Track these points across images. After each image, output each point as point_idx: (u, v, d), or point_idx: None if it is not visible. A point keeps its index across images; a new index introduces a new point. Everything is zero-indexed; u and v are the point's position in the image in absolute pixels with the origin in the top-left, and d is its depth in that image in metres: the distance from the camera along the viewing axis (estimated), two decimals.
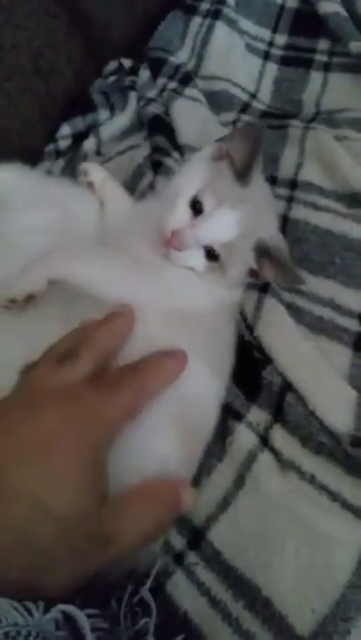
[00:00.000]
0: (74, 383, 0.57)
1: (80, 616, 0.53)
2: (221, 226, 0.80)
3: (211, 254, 0.81)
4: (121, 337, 0.66)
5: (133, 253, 0.84)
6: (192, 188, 0.82)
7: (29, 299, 0.76)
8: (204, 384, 0.77)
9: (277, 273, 0.82)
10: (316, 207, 0.97)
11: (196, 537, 0.73)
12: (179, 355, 0.66)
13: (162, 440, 0.70)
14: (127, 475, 0.63)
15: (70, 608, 0.53)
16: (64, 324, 0.73)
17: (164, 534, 0.50)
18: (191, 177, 0.84)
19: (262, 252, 0.81)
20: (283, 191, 1.01)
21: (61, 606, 0.53)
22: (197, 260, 0.82)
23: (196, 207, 0.81)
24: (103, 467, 0.51)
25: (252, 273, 0.85)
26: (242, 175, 0.81)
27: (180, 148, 1.10)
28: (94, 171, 1.04)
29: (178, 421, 0.71)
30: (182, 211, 0.82)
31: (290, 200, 0.99)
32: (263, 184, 0.90)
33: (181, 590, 0.70)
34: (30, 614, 0.51)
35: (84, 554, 0.48)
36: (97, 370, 0.60)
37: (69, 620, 0.54)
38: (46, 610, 0.52)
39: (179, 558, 0.72)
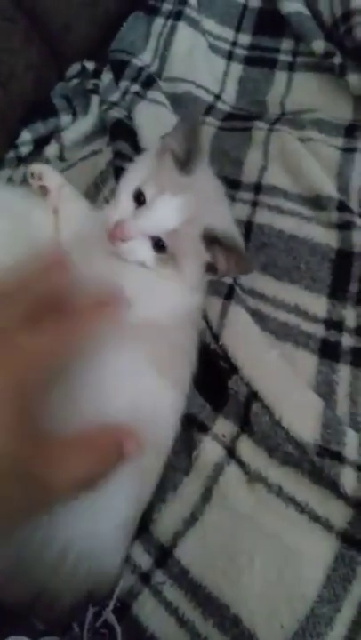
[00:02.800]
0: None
1: None
2: (164, 213, 0.78)
3: (158, 245, 0.80)
4: (55, 283, 0.60)
5: (89, 261, 0.82)
6: (135, 182, 0.81)
7: None
8: (159, 396, 0.76)
9: (230, 260, 0.79)
10: (280, 211, 0.96)
11: (163, 555, 0.72)
12: (119, 303, 0.60)
13: None
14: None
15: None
16: None
17: (102, 483, 0.48)
18: (135, 172, 0.84)
19: (211, 240, 0.79)
20: (247, 195, 1.00)
21: (13, 638, 0.51)
22: (145, 251, 0.80)
23: (140, 199, 0.80)
24: (31, 405, 0.49)
25: (210, 268, 0.82)
26: (183, 164, 0.80)
27: (142, 153, 1.07)
28: (50, 176, 1.02)
29: None
30: (125, 204, 0.81)
31: (254, 205, 0.98)
32: (209, 175, 0.89)
33: (148, 611, 0.69)
34: None
35: (9, 496, 0.46)
36: (30, 314, 0.57)
37: None
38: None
39: (145, 578, 0.71)
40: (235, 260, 0.79)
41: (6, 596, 0.60)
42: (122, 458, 0.51)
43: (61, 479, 0.46)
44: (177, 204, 0.78)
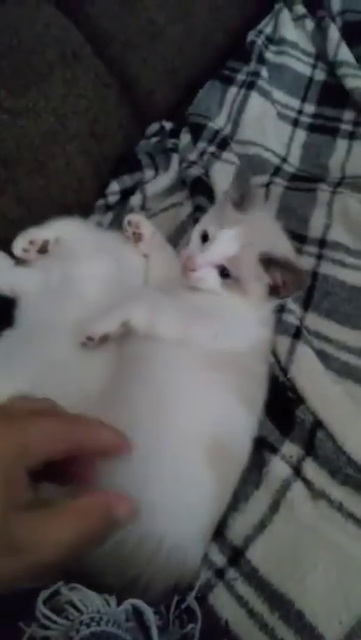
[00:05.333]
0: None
1: (147, 610, 0.62)
2: (224, 243, 0.95)
3: (223, 273, 0.95)
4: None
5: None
6: (202, 226, 1.00)
7: (104, 339, 0.89)
8: (237, 420, 0.88)
9: (286, 276, 0.92)
10: (343, 264, 1.08)
11: (236, 555, 0.82)
12: (124, 449, 0.59)
13: (195, 471, 0.81)
14: (164, 502, 0.76)
15: (139, 602, 0.63)
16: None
17: (99, 545, 0.51)
18: (203, 220, 1.03)
19: (268, 262, 0.93)
20: (312, 249, 1.12)
21: (132, 600, 0.63)
22: (213, 278, 0.96)
23: (205, 238, 0.98)
24: (16, 480, 0.48)
25: (272, 290, 0.95)
26: (238, 205, 0.97)
27: None
28: (145, 224, 1.15)
29: (211, 453, 0.81)
30: (194, 243, 1.00)
31: (319, 257, 1.10)
32: (264, 214, 1.07)
33: (222, 602, 0.79)
34: (108, 605, 0.60)
35: None
36: None
37: (137, 613, 0.63)
38: (119, 603, 0.62)
39: (220, 574, 0.81)
40: (290, 275, 0.93)
41: (106, 578, 0.72)
42: (113, 523, 0.51)
43: (48, 546, 0.47)
44: (233, 235, 0.95)
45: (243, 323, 0.96)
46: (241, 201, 0.97)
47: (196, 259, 0.95)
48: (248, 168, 1.30)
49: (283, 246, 1.00)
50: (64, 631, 0.57)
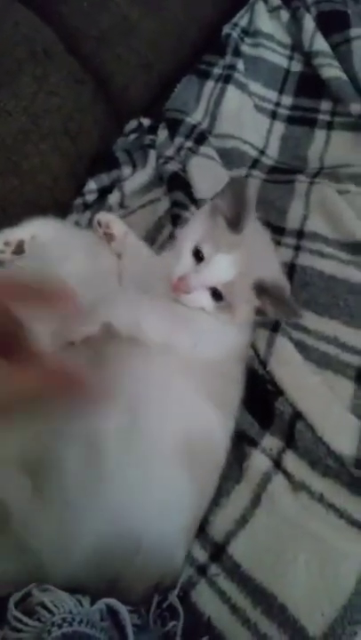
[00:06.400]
0: None
1: (122, 609, 0.62)
2: (220, 268, 0.90)
3: (216, 294, 0.92)
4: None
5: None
6: (193, 240, 0.94)
7: (85, 341, 0.87)
8: (212, 424, 0.87)
9: (277, 308, 0.91)
10: (321, 255, 1.08)
11: (218, 551, 0.82)
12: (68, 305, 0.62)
13: (169, 471, 0.80)
14: (139, 504, 0.76)
15: (113, 601, 0.62)
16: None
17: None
18: (192, 231, 0.97)
19: (262, 289, 0.91)
20: (290, 240, 1.12)
21: (105, 600, 0.62)
22: (205, 300, 0.93)
23: (198, 255, 0.92)
24: None
25: (260, 311, 0.93)
26: (233, 224, 0.92)
27: (197, 203, 1.21)
28: (115, 224, 1.13)
29: (186, 454, 0.81)
30: (186, 260, 0.94)
31: (297, 248, 1.10)
32: (258, 230, 1.01)
33: (205, 598, 0.78)
34: (81, 605, 0.60)
35: None
36: None
37: (112, 612, 0.62)
38: (93, 602, 0.61)
39: (202, 570, 0.81)
40: (282, 307, 0.90)
41: (87, 581, 0.71)
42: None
43: None
44: (231, 261, 0.90)
45: (224, 332, 0.95)
46: (236, 220, 0.92)
47: (189, 280, 0.91)
48: (226, 162, 1.30)
49: (276, 273, 0.97)
50: (36, 633, 0.56)
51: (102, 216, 1.14)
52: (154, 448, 0.80)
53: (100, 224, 1.13)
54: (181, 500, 0.80)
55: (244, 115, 1.44)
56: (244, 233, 0.92)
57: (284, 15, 1.56)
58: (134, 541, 0.74)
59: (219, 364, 0.91)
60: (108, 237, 1.13)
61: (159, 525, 0.77)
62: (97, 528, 0.73)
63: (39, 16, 1.28)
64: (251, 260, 0.91)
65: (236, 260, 0.90)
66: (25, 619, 0.57)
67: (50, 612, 0.58)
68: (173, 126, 1.40)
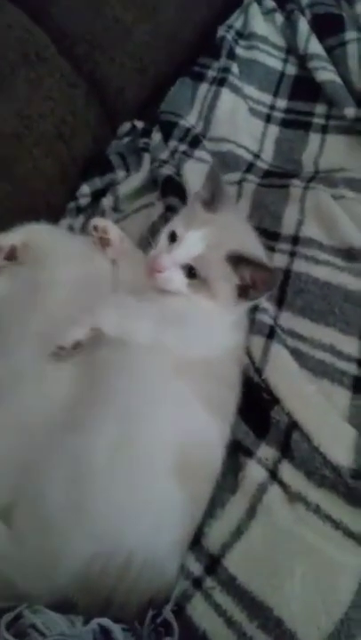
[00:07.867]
0: None
1: (115, 628, 0.61)
2: (190, 243, 0.93)
3: (190, 273, 0.93)
4: None
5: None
6: (170, 227, 0.98)
7: (76, 346, 0.87)
8: (206, 430, 0.86)
9: (255, 275, 0.91)
10: (316, 261, 1.06)
11: (213, 563, 0.81)
12: None
13: (161, 484, 0.79)
14: (129, 519, 0.75)
15: (106, 621, 0.61)
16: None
17: None
18: (172, 220, 1.01)
19: (237, 261, 0.91)
20: (285, 246, 1.11)
21: (98, 620, 0.61)
22: (178, 279, 0.93)
23: (173, 238, 0.95)
24: None
25: (242, 292, 0.93)
26: (208, 205, 0.96)
27: None
28: (112, 229, 1.11)
29: (179, 465, 0.80)
30: (162, 244, 0.97)
31: (292, 255, 1.09)
32: (235, 214, 1.06)
33: (200, 612, 0.77)
34: (73, 625, 0.58)
35: None
36: None
37: (105, 632, 0.61)
38: (85, 623, 0.60)
39: (197, 583, 0.80)
40: (258, 273, 0.91)
41: (80, 600, 0.70)
42: None
43: None
44: (201, 235, 0.93)
45: (215, 328, 0.94)
46: (211, 200, 0.96)
47: (161, 259, 0.92)
48: (221, 165, 1.29)
49: (252, 245, 0.99)
50: None
51: (99, 221, 1.13)
52: (144, 461, 0.79)
53: (96, 229, 1.11)
54: (173, 513, 0.79)
55: (238, 118, 1.44)
56: (219, 213, 0.96)
57: (279, 18, 1.56)
58: (125, 557, 0.73)
59: (213, 364, 0.90)
60: (104, 242, 1.11)
61: (150, 540, 0.76)
62: (83, 549, 0.72)
63: (32, 18, 1.27)
64: (222, 234, 0.94)
65: (206, 233, 0.93)
66: None
67: (42, 634, 0.57)
68: (167, 129, 1.40)
